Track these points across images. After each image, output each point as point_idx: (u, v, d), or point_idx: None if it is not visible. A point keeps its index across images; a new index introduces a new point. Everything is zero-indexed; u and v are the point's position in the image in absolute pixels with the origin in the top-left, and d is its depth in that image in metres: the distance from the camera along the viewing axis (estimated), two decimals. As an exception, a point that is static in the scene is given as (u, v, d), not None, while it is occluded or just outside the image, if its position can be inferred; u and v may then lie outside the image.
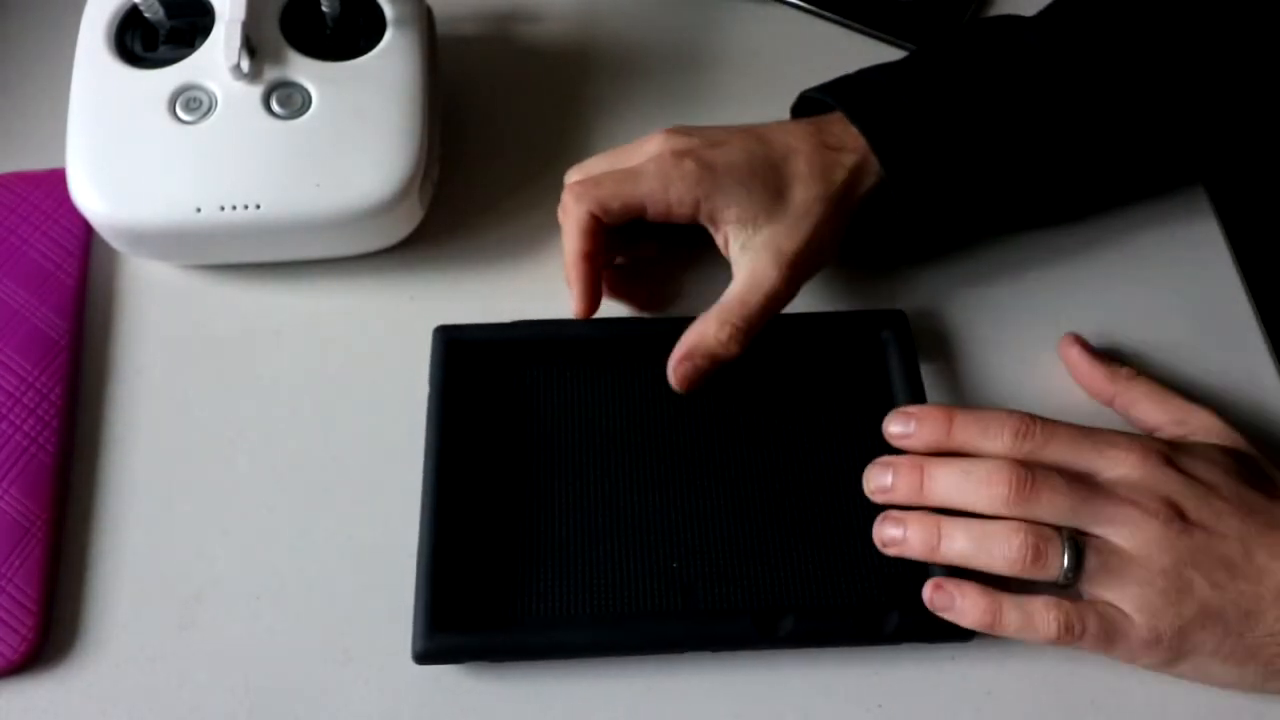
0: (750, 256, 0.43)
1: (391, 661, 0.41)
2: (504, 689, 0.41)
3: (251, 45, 0.46)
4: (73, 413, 0.46)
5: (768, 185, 0.43)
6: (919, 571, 0.40)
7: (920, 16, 0.57)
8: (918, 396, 0.44)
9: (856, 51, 0.56)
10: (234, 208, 0.44)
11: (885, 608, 0.40)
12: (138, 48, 0.48)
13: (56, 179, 0.48)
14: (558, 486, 0.43)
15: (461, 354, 0.45)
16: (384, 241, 0.49)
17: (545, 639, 0.40)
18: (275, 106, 0.46)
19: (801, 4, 0.57)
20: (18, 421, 0.44)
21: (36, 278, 0.48)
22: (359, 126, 0.46)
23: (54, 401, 0.45)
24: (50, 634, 0.41)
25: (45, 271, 0.48)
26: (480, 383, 0.45)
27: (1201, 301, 0.49)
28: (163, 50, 0.47)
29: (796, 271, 0.43)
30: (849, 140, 0.44)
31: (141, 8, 0.46)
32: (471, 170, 0.52)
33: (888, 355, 0.46)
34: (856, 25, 0.57)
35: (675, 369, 0.43)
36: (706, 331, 0.42)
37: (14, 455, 0.44)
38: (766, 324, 0.43)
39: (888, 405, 0.44)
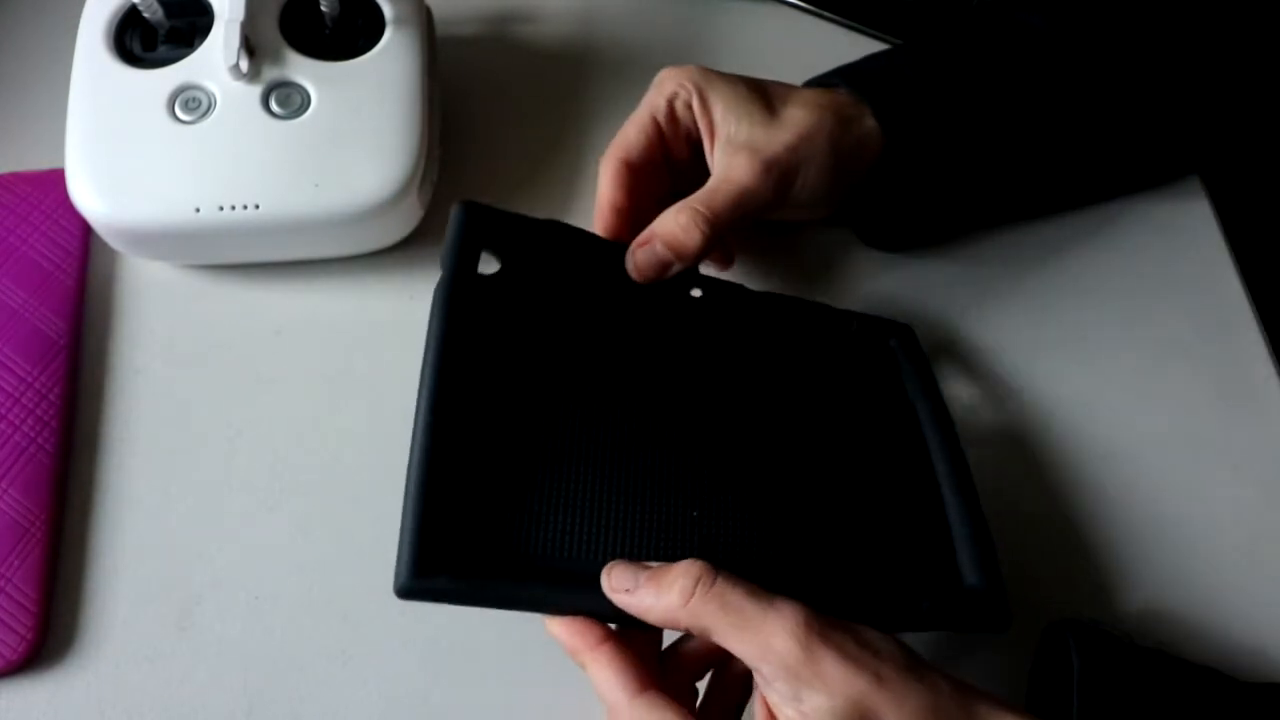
0: (728, 154, 0.43)
1: (391, 662, 0.41)
2: (506, 686, 0.41)
3: (250, 45, 0.46)
4: (72, 413, 0.46)
5: (759, 97, 0.43)
6: (949, 560, 0.40)
7: (920, 16, 0.57)
8: (936, 403, 0.44)
9: (856, 51, 0.56)
10: (233, 208, 0.44)
11: (916, 595, 0.38)
12: (137, 48, 0.47)
13: (56, 179, 0.48)
14: (573, 419, 0.39)
15: (483, 237, 0.41)
16: (384, 241, 0.49)
17: (548, 591, 0.36)
18: (274, 106, 0.46)
19: (801, 4, 0.57)
20: (17, 421, 0.44)
21: (36, 278, 0.48)
22: (358, 126, 0.46)
23: (53, 401, 0.45)
24: (49, 634, 0.41)
25: (44, 271, 0.48)
26: (497, 287, 0.41)
27: (1200, 301, 0.49)
28: (162, 50, 0.47)
29: (771, 173, 0.42)
30: (862, 110, 0.44)
31: (140, 8, 0.46)
32: (471, 170, 0.52)
33: (900, 363, 0.45)
34: (856, 25, 0.57)
35: (632, 253, 0.42)
36: (667, 217, 0.42)
37: (13, 455, 0.44)
38: (802, 309, 0.42)
39: (904, 397, 0.44)
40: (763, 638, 0.32)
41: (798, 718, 0.32)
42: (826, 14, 0.57)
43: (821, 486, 0.41)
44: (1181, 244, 0.50)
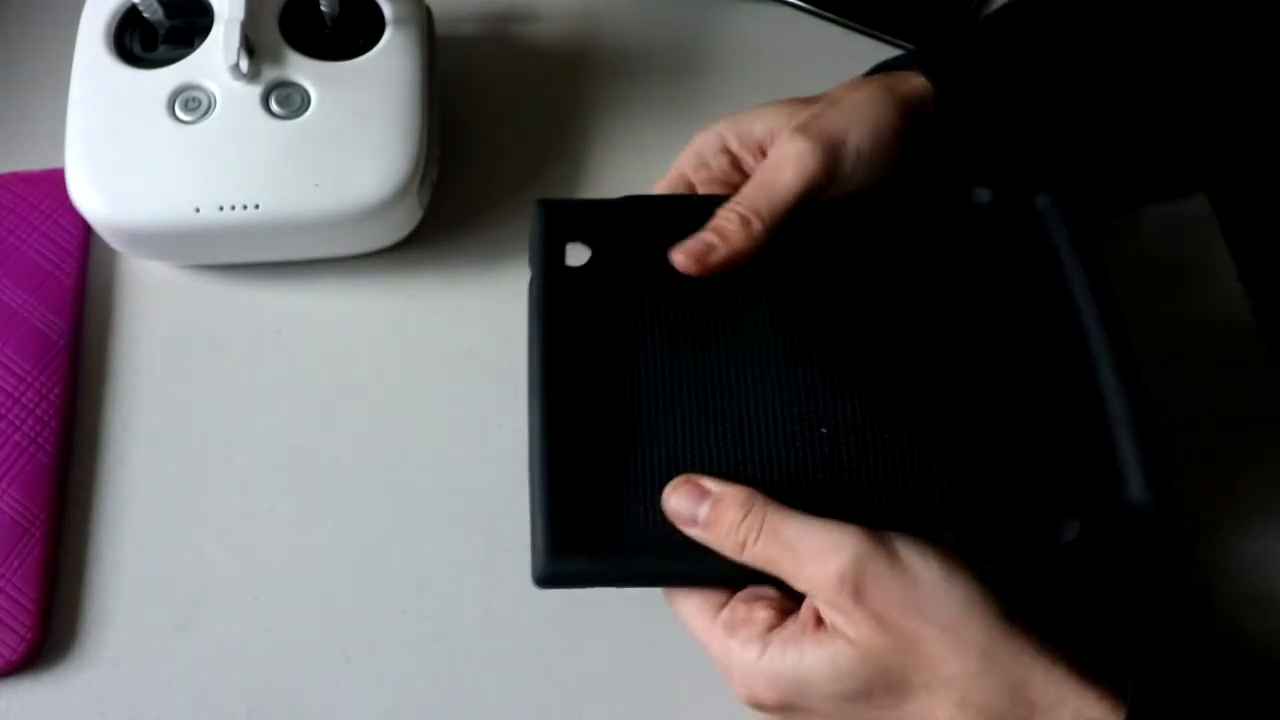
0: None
1: (391, 662, 0.41)
2: (506, 687, 0.41)
3: (250, 45, 0.46)
4: (72, 413, 0.46)
5: (795, 101, 0.43)
6: (1108, 464, 0.36)
7: (920, 16, 0.57)
8: (1096, 275, 0.39)
9: (856, 51, 0.56)
10: (233, 208, 0.44)
11: (1060, 513, 0.35)
12: (137, 48, 0.47)
13: (55, 179, 0.48)
14: (683, 374, 0.38)
15: (566, 230, 0.40)
16: (383, 241, 0.49)
17: (681, 564, 0.36)
18: (274, 106, 0.46)
19: (801, 4, 0.57)
20: (17, 421, 0.44)
21: (35, 278, 0.48)
22: (358, 126, 0.46)
23: (53, 401, 0.45)
24: (49, 634, 0.41)
25: (44, 271, 0.48)
26: (588, 276, 0.40)
27: (1200, 301, 0.49)
28: (162, 50, 0.47)
29: (807, 135, 0.40)
30: (906, 74, 0.43)
31: (140, 7, 0.46)
32: (471, 170, 0.52)
33: (1048, 230, 0.40)
34: (856, 25, 0.57)
35: (674, 254, 0.39)
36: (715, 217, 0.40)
37: (13, 455, 0.44)
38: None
39: (1058, 288, 0.40)
40: (808, 575, 0.33)
41: (827, 631, 0.33)
42: (826, 14, 0.57)
43: (954, 388, 0.37)
44: (1181, 244, 0.50)
